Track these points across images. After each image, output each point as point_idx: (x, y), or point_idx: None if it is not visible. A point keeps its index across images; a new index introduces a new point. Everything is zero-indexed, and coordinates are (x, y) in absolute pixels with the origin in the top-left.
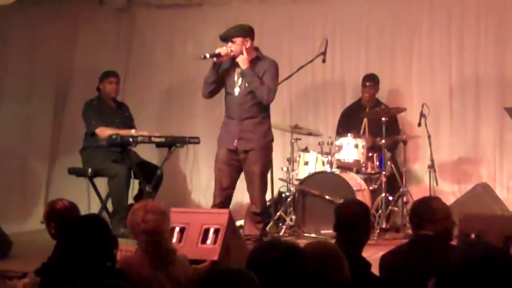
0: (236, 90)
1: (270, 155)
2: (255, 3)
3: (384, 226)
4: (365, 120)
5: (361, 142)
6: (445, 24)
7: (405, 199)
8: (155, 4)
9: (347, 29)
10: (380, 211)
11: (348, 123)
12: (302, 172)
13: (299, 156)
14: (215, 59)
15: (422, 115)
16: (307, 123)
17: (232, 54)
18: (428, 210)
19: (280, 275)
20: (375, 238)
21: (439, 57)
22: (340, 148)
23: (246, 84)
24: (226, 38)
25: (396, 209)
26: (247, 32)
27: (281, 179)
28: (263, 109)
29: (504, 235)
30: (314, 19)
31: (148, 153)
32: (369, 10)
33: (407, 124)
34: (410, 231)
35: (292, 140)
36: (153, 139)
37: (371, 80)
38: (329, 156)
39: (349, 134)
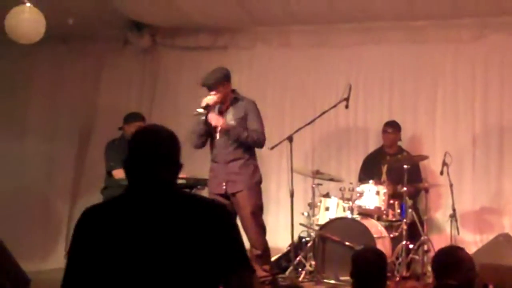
0: (218, 134)
1: (259, 195)
2: (279, 47)
3: (404, 274)
4: (385, 166)
5: (382, 189)
6: (469, 72)
7: (426, 247)
8: (180, 45)
9: (371, 75)
10: (400, 259)
11: (370, 169)
12: (323, 217)
13: (320, 201)
14: (205, 111)
15: (444, 163)
16: (329, 168)
17: (218, 102)
18: (452, 260)
19: None
20: (396, 286)
21: (462, 105)
22: (361, 194)
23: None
24: (210, 87)
25: (416, 257)
26: (228, 77)
27: (301, 224)
28: (248, 150)
29: None
30: (338, 64)
31: None
32: (393, 57)
33: (429, 172)
34: (430, 280)
35: (314, 185)
36: None
37: (392, 127)
38: (350, 202)
39: (370, 181)
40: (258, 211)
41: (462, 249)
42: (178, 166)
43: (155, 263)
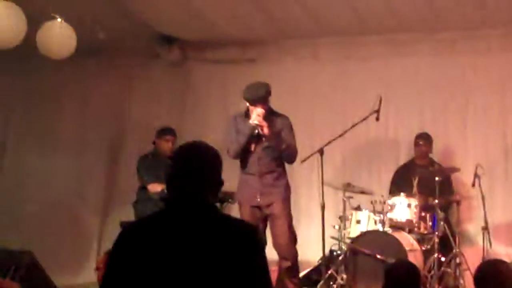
0: (253, 146)
1: (290, 208)
2: (308, 59)
3: (436, 287)
4: (416, 179)
5: (414, 202)
6: (500, 84)
7: (458, 260)
8: (210, 59)
9: (401, 87)
10: (432, 272)
11: (401, 182)
12: (354, 230)
13: (351, 214)
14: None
15: (476, 175)
16: (360, 181)
17: (265, 115)
18: (495, 273)
19: None
20: None
21: (493, 116)
22: (392, 207)
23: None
24: (260, 101)
25: (448, 270)
26: (270, 93)
27: (332, 237)
28: (281, 163)
29: None
30: (367, 76)
31: None
32: (423, 69)
33: (461, 185)
34: None
35: (344, 198)
36: None
37: (424, 139)
38: (382, 215)
39: (402, 194)
40: (291, 222)
41: (506, 263)
42: (219, 184)
43: (187, 283)
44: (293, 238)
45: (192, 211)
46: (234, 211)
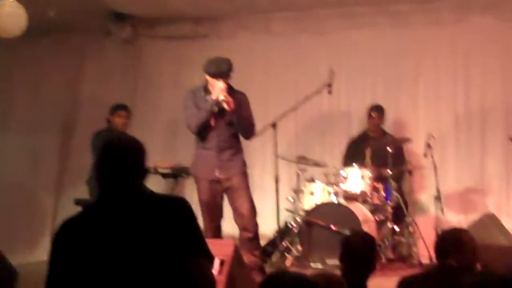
0: (213, 121)
1: (249, 182)
2: (261, 34)
3: (390, 256)
4: (369, 150)
5: (367, 173)
6: (451, 54)
7: (411, 229)
8: (161, 35)
9: (353, 61)
10: (386, 242)
11: (354, 153)
12: (308, 202)
13: (305, 186)
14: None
15: (428, 145)
16: (313, 153)
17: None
18: (455, 241)
19: None
20: (381, 268)
21: (445, 87)
22: (346, 178)
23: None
24: (224, 75)
25: (402, 239)
26: (232, 68)
27: (287, 210)
28: (238, 140)
29: (510, 266)
30: (320, 50)
31: (154, 184)
32: (375, 42)
33: (413, 155)
34: (416, 261)
35: (298, 171)
36: (159, 170)
37: (377, 111)
38: (335, 187)
39: (355, 165)
40: (251, 194)
41: (466, 232)
42: (144, 172)
43: (129, 262)
44: (253, 210)
45: (124, 197)
46: (187, 184)
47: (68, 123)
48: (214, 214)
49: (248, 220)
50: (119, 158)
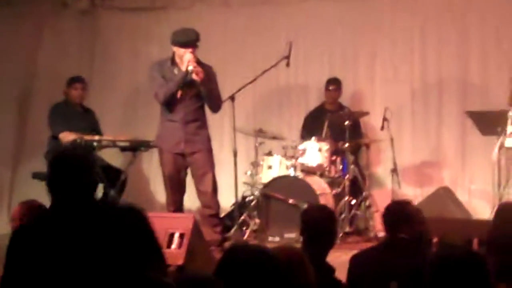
0: (179, 93)
1: (213, 158)
2: (218, 6)
3: (347, 230)
4: (326, 123)
5: (324, 146)
6: (407, 28)
7: (368, 202)
8: (119, 7)
9: (310, 33)
10: (343, 215)
11: (311, 127)
12: (266, 176)
13: (263, 160)
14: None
15: (384, 118)
16: (271, 127)
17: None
18: (402, 214)
19: (251, 279)
20: (338, 242)
21: (401, 60)
22: (303, 152)
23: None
24: (192, 44)
25: (359, 212)
26: (199, 38)
27: (245, 183)
28: (203, 113)
29: (465, 239)
30: (278, 22)
31: (112, 157)
32: (332, 14)
33: (370, 128)
34: (372, 235)
35: (256, 144)
36: (117, 143)
37: (334, 84)
38: (293, 160)
39: (312, 138)
40: (214, 172)
41: (411, 203)
42: (93, 184)
43: (79, 272)
44: (215, 189)
45: (76, 209)
46: (145, 158)
47: (25, 95)
48: (176, 188)
49: (210, 198)
50: (67, 173)
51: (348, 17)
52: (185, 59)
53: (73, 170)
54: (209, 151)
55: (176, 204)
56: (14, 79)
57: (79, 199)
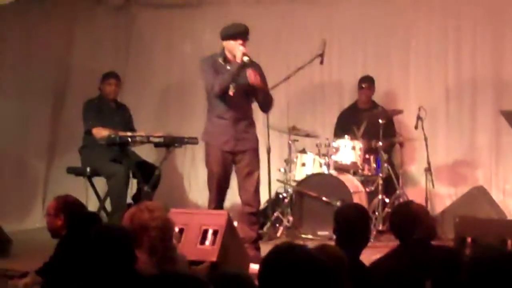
0: (231, 90)
1: (259, 158)
2: (253, 4)
3: (380, 228)
4: (364, 123)
5: (358, 144)
6: (442, 27)
7: (401, 201)
8: (154, 3)
9: (344, 31)
10: (376, 213)
11: (345, 125)
12: (300, 173)
13: (297, 157)
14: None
15: (418, 117)
16: (305, 124)
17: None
18: (406, 214)
19: (296, 280)
20: (372, 240)
21: (435, 59)
22: (337, 150)
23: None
24: (242, 35)
25: None
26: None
27: (278, 180)
28: (252, 112)
29: (500, 239)
30: (312, 20)
31: (146, 153)
32: (367, 13)
33: (404, 127)
34: None
35: (290, 142)
36: (151, 139)
37: (367, 82)
38: (327, 158)
39: (346, 136)
40: (259, 171)
41: (415, 204)
42: (132, 256)
43: None
44: (259, 187)
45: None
46: (178, 154)
47: (60, 90)
48: (221, 186)
49: (252, 197)
50: (108, 249)
51: (382, 16)
52: (237, 52)
53: (115, 245)
54: (256, 151)
55: (219, 202)
56: (49, 75)
57: (121, 270)
